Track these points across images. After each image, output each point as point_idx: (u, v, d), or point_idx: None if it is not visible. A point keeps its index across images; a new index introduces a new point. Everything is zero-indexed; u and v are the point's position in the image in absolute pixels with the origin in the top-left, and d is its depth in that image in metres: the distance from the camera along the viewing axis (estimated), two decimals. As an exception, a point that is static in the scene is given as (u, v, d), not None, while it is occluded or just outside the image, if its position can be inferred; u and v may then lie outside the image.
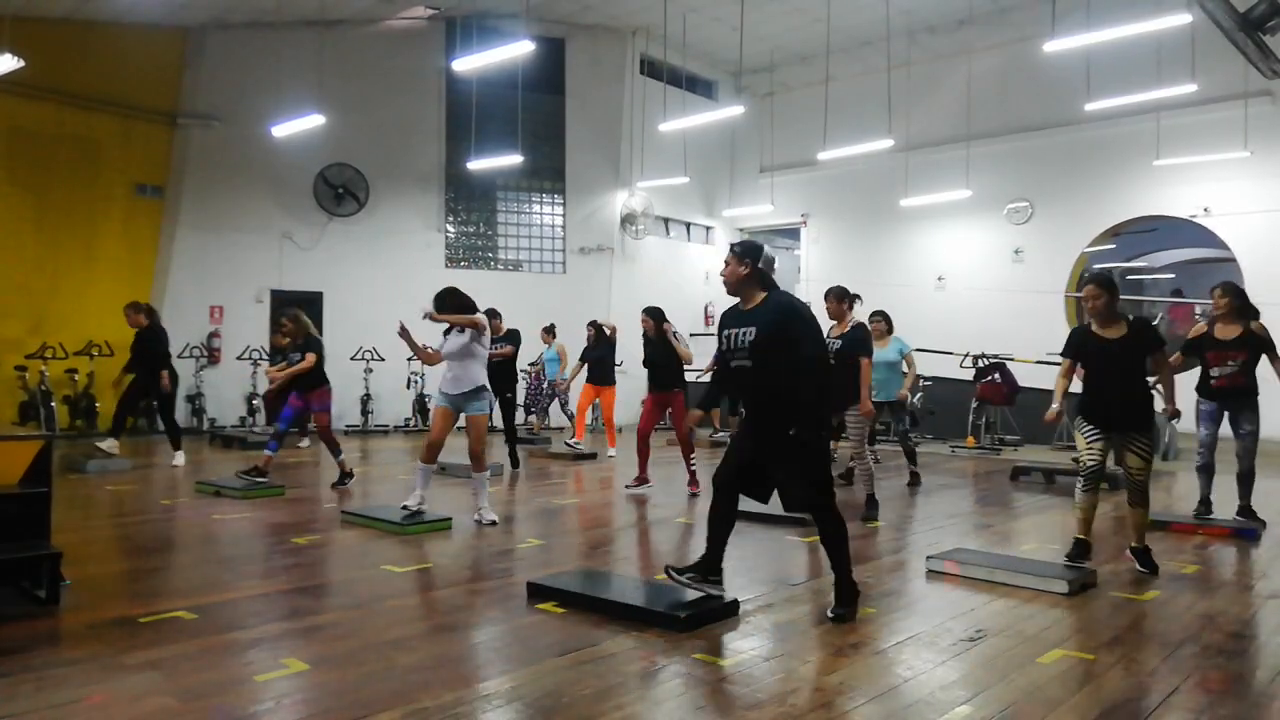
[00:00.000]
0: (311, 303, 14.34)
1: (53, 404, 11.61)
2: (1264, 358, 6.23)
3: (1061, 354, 5.28)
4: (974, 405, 12.20)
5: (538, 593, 4.41)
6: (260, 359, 13.46)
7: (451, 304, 6.34)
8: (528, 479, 9.08)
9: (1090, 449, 5.07)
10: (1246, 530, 6.26)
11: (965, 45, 14.90)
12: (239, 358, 13.39)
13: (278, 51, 13.82)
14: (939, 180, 14.63)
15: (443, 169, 15.33)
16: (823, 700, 3.17)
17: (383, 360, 13.41)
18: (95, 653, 3.55)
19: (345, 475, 8.10)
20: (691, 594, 4.52)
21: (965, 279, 15.25)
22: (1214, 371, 6.31)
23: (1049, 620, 4.16)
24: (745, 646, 3.75)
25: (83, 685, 3.21)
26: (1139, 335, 5.03)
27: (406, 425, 14.27)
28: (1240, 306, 6.29)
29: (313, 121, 11.63)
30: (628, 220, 16.58)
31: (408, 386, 13.95)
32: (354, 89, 14.13)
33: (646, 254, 17.02)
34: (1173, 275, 18.29)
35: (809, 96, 15.76)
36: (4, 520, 4.22)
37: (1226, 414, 6.41)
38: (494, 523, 6.30)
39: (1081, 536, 5.16)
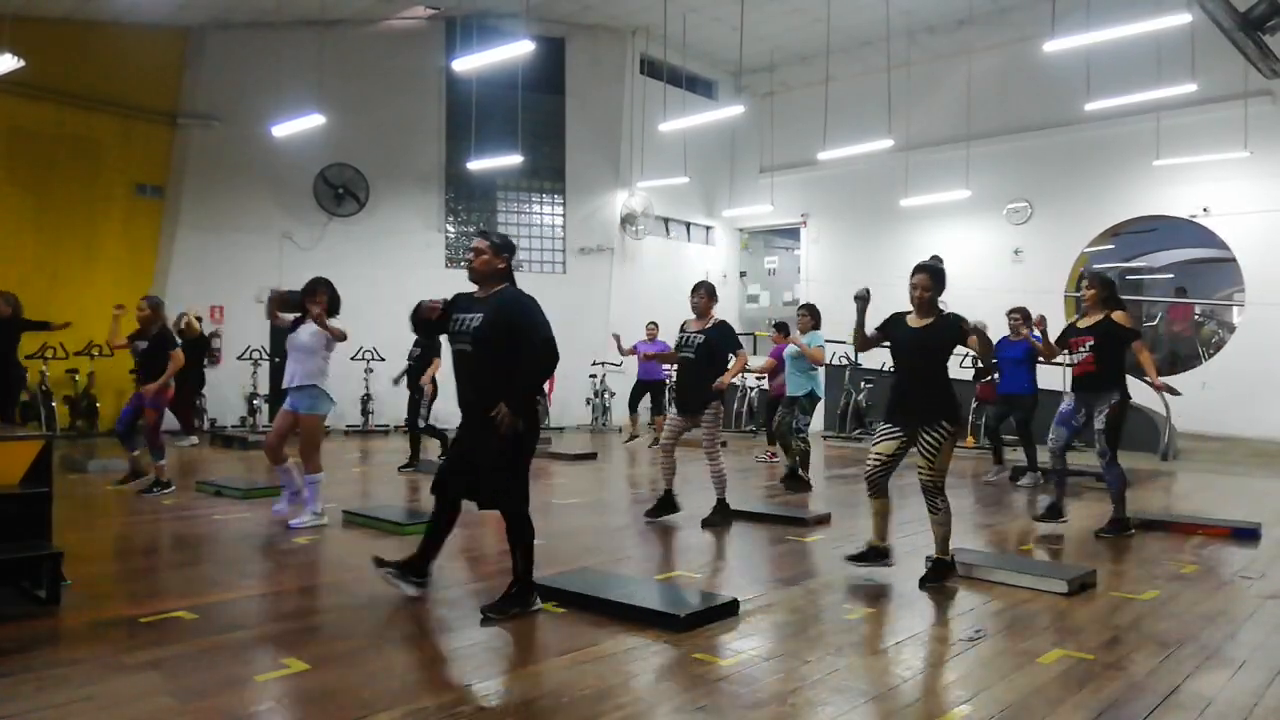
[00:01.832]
0: (311, 303, 14.36)
1: (53, 404, 11.62)
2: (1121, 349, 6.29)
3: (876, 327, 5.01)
4: (973, 405, 12.20)
5: (538, 592, 4.40)
6: (261, 359, 13.47)
7: (327, 297, 6.29)
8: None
9: (876, 449, 4.82)
10: (1246, 530, 6.26)
11: (965, 45, 14.90)
12: (239, 358, 13.39)
13: (278, 51, 13.81)
14: (939, 180, 14.63)
15: (443, 169, 15.33)
16: (823, 700, 3.17)
17: (383, 360, 13.40)
18: (95, 653, 3.55)
19: (159, 484, 7.47)
20: (692, 594, 4.53)
21: (965, 279, 15.21)
22: (1071, 359, 6.38)
23: (1049, 620, 4.16)
24: (745, 646, 3.75)
25: (83, 685, 3.21)
26: (940, 328, 4.72)
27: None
28: (1106, 297, 6.30)
29: (313, 121, 11.63)
30: (628, 220, 16.57)
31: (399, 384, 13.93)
32: (354, 89, 14.13)
33: (646, 254, 17.02)
34: (1172, 275, 18.29)
35: (809, 96, 15.75)
36: (4, 520, 4.22)
37: (1084, 410, 6.37)
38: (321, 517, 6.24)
39: (876, 542, 4.91)
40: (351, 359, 13.34)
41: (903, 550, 5.81)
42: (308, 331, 6.26)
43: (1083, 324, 6.35)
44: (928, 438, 4.66)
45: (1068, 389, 6.56)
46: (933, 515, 4.73)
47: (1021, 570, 4.87)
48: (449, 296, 4.38)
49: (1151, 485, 9.05)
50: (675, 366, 6.73)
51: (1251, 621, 4.20)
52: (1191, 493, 8.75)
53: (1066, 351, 6.44)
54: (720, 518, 6.45)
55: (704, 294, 6.57)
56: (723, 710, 3.07)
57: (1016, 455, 9.54)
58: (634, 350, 11.45)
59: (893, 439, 4.77)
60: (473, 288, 4.35)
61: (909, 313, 4.88)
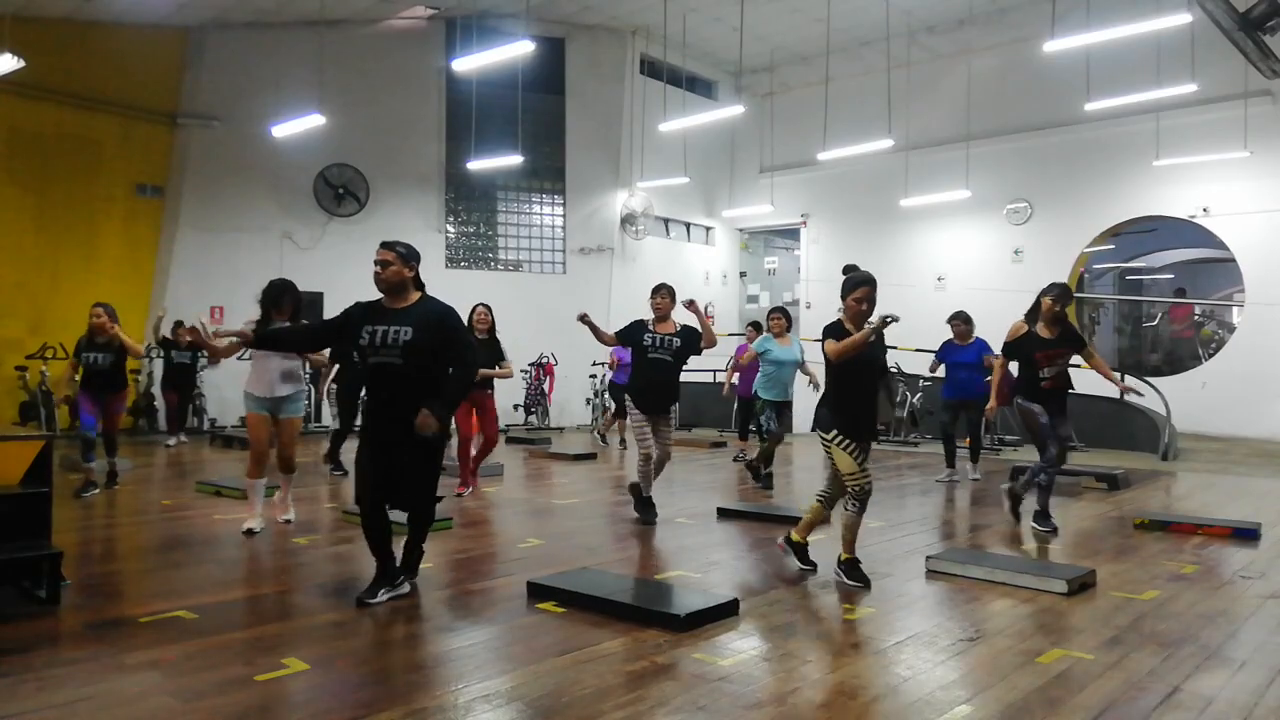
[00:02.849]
0: (312, 303, 14.35)
1: (53, 404, 11.61)
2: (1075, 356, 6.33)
3: (826, 335, 4.74)
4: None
5: (538, 593, 4.41)
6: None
7: (292, 300, 6.10)
8: (527, 479, 9.08)
9: (862, 466, 4.70)
10: (1246, 530, 6.26)
11: (965, 45, 14.90)
12: (239, 358, 13.37)
13: (278, 51, 13.82)
14: (939, 180, 14.64)
15: (443, 169, 15.33)
16: (822, 700, 3.17)
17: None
18: (95, 653, 3.55)
19: (91, 485, 7.38)
20: (692, 594, 4.53)
21: (965, 279, 15.24)
22: (1046, 371, 6.17)
23: (1049, 620, 4.16)
24: (745, 646, 3.75)
25: (83, 685, 3.21)
26: (882, 341, 4.74)
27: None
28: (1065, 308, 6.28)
29: (313, 121, 11.64)
30: (628, 220, 16.58)
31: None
32: (354, 89, 14.13)
33: (646, 254, 17.02)
34: (1172, 275, 18.30)
35: (809, 96, 15.76)
36: (4, 520, 4.22)
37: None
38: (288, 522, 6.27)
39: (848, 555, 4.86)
40: (352, 360, 13.35)
41: (903, 550, 5.81)
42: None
43: (1047, 335, 6.18)
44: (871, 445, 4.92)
45: (1035, 404, 6.24)
46: (857, 515, 4.78)
47: (1021, 570, 4.87)
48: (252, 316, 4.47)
49: (1151, 485, 9.05)
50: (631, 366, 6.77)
51: (1251, 621, 4.20)
52: (1191, 493, 8.75)
53: (1029, 365, 6.22)
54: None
55: (669, 296, 6.58)
56: (723, 710, 3.07)
57: (1016, 455, 9.56)
58: (617, 360, 11.19)
59: (860, 448, 4.73)
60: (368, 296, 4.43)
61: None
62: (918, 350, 12.11)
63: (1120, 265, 17.70)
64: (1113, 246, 15.89)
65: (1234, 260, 13.30)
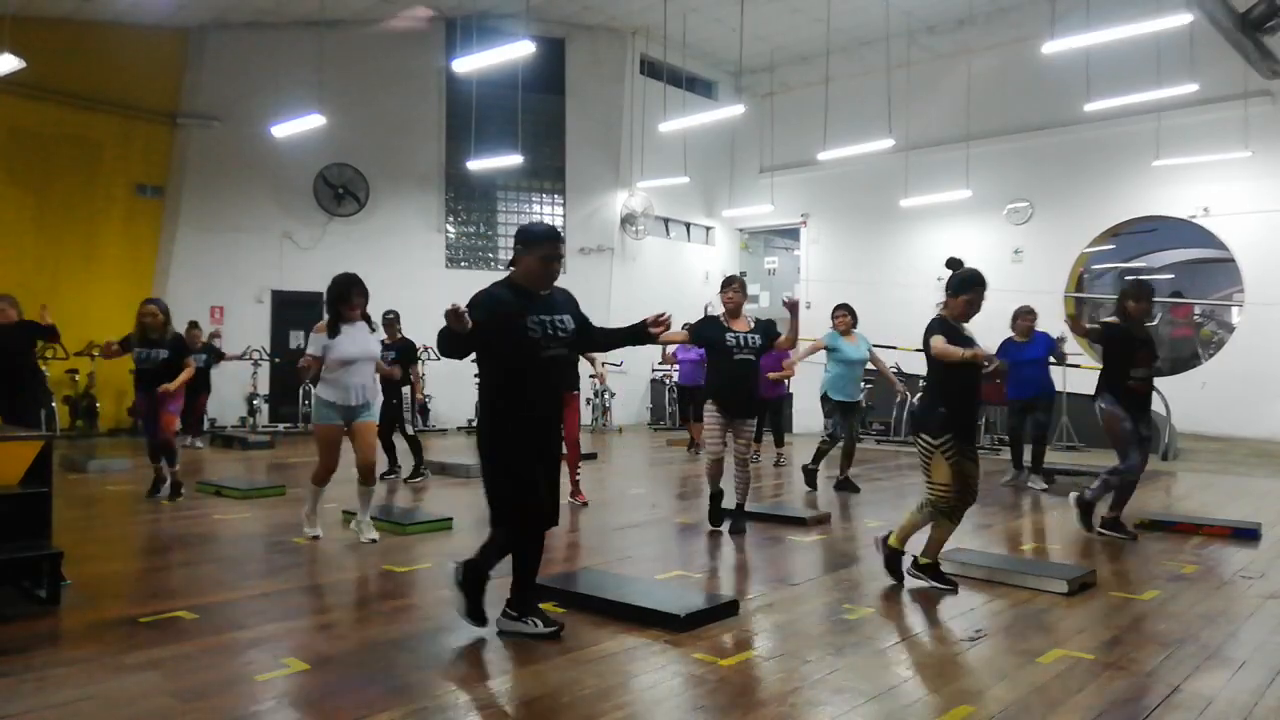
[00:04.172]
0: (312, 304, 14.34)
1: (53, 404, 11.62)
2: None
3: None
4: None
5: (538, 592, 4.40)
6: (261, 359, 13.47)
7: (362, 294, 5.71)
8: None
9: (968, 484, 4.59)
10: (1246, 530, 6.26)
11: (965, 45, 14.90)
12: (240, 357, 13.39)
13: (278, 51, 13.82)
14: (939, 180, 14.63)
15: (443, 169, 15.33)
16: (823, 700, 3.17)
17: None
18: (95, 653, 3.55)
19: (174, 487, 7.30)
20: (692, 594, 4.52)
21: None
22: (1140, 373, 5.91)
23: (1049, 620, 4.16)
24: (745, 646, 3.75)
25: (83, 685, 3.21)
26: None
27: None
28: None
29: (313, 121, 11.64)
30: (628, 220, 16.58)
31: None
32: (354, 89, 14.13)
33: (646, 254, 17.02)
34: (1172, 275, 18.30)
35: (809, 96, 15.75)
36: (4, 520, 4.22)
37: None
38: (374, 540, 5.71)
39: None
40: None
41: (904, 550, 5.81)
42: (376, 338, 5.93)
43: (1140, 334, 5.98)
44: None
45: (1120, 407, 5.91)
46: (924, 521, 4.64)
47: (1021, 570, 4.87)
48: (486, 302, 3.63)
49: (1151, 485, 9.05)
50: (710, 365, 6.10)
51: (1251, 621, 4.20)
52: (1191, 493, 8.75)
53: (1127, 364, 5.91)
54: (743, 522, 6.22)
55: (742, 290, 6.07)
56: (723, 710, 3.07)
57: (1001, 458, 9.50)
58: (674, 358, 11.23)
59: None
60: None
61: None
62: (918, 350, 12.09)
63: (1120, 265, 17.69)
64: (1113, 246, 15.88)
65: (1234, 260, 13.30)
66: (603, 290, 16.06)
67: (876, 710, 3.08)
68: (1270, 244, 12.66)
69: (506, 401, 3.65)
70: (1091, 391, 6.24)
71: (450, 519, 6.32)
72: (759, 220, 18.03)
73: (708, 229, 18.63)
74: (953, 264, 4.76)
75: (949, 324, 4.60)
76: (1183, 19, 9.56)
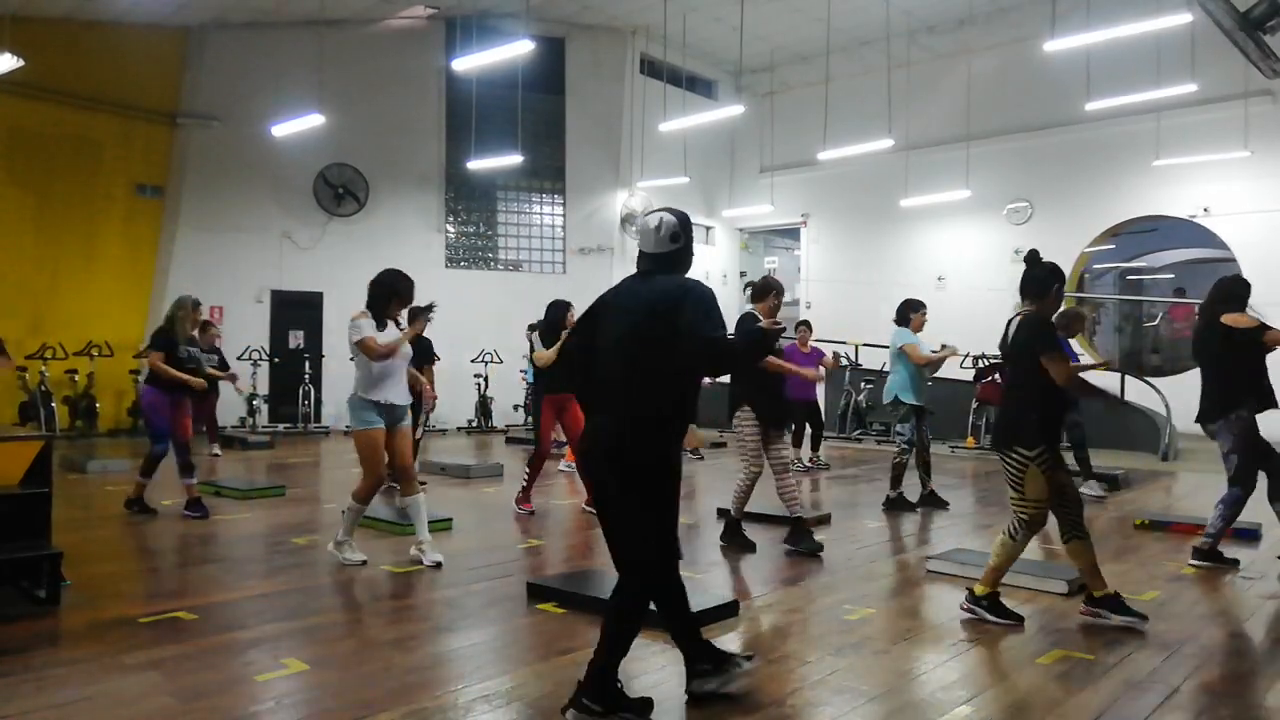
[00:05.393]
0: (312, 303, 14.36)
1: (53, 404, 11.62)
2: None
3: None
4: (974, 406, 12.20)
5: (537, 593, 4.40)
6: (261, 359, 13.46)
7: (408, 287, 5.48)
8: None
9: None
10: (1246, 530, 6.26)
11: (965, 45, 14.90)
12: (239, 358, 13.37)
13: (278, 51, 13.81)
14: (939, 180, 14.63)
15: (443, 169, 15.33)
16: (823, 700, 3.17)
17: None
18: (95, 653, 3.55)
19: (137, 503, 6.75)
20: (692, 594, 4.51)
21: (965, 279, 15.24)
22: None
23: (1049, 620, 4.16)
24: (745, 646, 3.75)
25: (83, 685, 3.21)
26: None
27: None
28: None
29: (313, 121, 11.63)
30: (628, 220, 16.57)
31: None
32: (354, 89, 14.13)
33: (646, 254, 17.00)
34: (1172, 275, 18.30)
35: (809, 96, 15.75)
36: (4, 520, 4.22)
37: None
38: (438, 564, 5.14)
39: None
40: (351, 360, 13.34)
41: (903, 550, 5.81)
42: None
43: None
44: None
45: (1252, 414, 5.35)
46: (1020, 545, 4.16)
47: (1021, 570, 4.86)
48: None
49: (1151, 485, 9.05)
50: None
51: (1251, 621, 4.20)
52: (1191, 493, 8.75)
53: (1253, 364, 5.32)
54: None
55: (780, 296, 5.64)
56: (723, 710, 3.07)
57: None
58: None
59: None
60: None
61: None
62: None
63: (1120, 265, 17.69)
64: (1113, 246, 15.88)
65: (1234, 260, 13.29)
66: (602, 291, 16.04)
67: (876, 710, 3.08)
68: (1270, 244, 12.66)
69: (681, 420, 3.15)
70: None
71: (450, 519, 6.32)
72: (759, 220, 18.03)
73: (708, 229, 18.62)
74: (1031, 258, 4.21)
75: (1051, 324, 4.14)
76: (1183, 18, 9.55)
